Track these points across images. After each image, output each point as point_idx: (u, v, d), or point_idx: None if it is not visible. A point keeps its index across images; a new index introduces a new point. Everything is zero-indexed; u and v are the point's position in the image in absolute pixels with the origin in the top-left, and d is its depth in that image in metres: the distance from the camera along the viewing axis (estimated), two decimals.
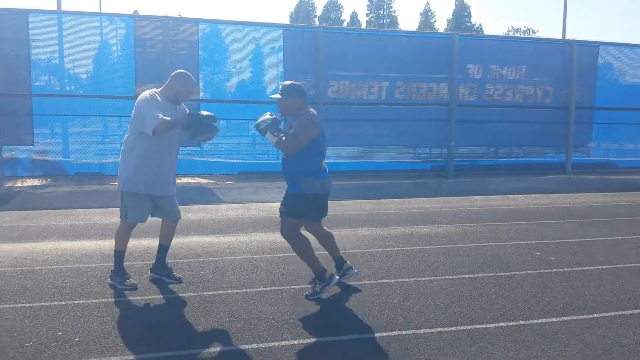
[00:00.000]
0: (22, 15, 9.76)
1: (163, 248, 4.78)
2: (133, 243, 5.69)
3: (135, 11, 57.38)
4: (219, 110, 11.10)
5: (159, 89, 4.50)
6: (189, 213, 7.53)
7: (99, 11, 23.36)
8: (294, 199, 4.42)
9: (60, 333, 3.60)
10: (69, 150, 10.77)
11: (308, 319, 3.92)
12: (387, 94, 11.50)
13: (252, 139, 12.52)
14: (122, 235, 4.59)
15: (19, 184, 10.12)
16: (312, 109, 4.44)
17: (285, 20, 74.41)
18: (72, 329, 3.67)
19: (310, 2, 77.46)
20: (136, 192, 4.44)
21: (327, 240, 4.73)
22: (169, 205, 4.66)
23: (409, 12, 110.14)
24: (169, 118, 4.23)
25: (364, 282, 4.75)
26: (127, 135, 4.48)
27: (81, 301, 4.18)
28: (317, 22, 71.44)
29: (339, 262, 4.71)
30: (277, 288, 4.56)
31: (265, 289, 4.54)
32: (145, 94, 4.40)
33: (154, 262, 4.79)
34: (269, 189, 9.81)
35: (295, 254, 4.55)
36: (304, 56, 11.03)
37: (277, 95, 4.36)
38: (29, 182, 10.24)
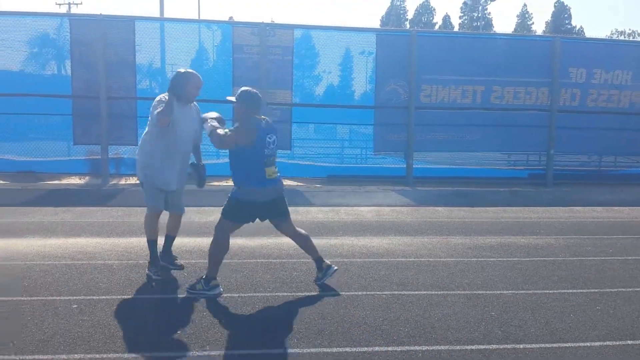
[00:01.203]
0: (129, 22, 10.36)
1: (169, 238, 5.06)
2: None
3: (231, 17, 59.48)
4: (309, 114, 11.31)
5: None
6: None
7: (197, 18, 24.39)
8: (229, 200, 4.50)
9: (158, 324, 3.77)
10: None
11: (401, 326, 3.85)
12: (483, 98, 11.16)
13: (340, 143, 12.59)
14: (150, 224, 4.82)
15: (122, 181, 10.74)
16: (262, 118, 4.46)
17: (376, 24, 74.29)
18: (170, 321, 3.84)
19: (402, 5, 76.90)
20: (153, 185, 4.73)
21: (303, 241, 4.76)
22: (176, 200, 4.94)
23: (505, 14, 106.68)
24: (160, 110, 4.45)
25: (457, 292, 4.62)
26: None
27: (183, 295, 4.36)
28: (408, 26, 70.78)
29: (318, 263, 4.72)
30: (369, 293, 4.53)
31: (357, 293, 4.53)
32: (158, 97, 4.70)
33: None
34: (357, 193, 9.81)
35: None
36: (396, 60, 10.94)
37: (232, 98, 4.54)
38: (131, 180, 10.82)
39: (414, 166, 11.07)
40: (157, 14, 26.29)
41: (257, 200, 4.43)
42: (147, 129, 4.78)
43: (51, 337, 3.53)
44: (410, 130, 10.92)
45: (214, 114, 4.66)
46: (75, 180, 10.53)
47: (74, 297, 4.27)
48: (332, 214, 7.85)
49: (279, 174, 4.58)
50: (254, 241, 6.12)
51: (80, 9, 47.76)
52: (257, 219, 4.62)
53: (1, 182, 10.08)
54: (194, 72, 4.79)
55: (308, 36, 11.40)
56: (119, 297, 4.31)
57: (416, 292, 4.58)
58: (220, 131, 4.40)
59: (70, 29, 10.15)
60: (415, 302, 4.34)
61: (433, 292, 4.59)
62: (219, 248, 4.46)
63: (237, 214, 4.48)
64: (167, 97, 4.54)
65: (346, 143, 12.87)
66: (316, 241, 6.12)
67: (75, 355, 3.31)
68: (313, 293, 4.50)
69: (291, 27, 10.69)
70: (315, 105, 11.30)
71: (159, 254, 4.90)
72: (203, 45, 11.56)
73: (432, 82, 11.03)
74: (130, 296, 4.33)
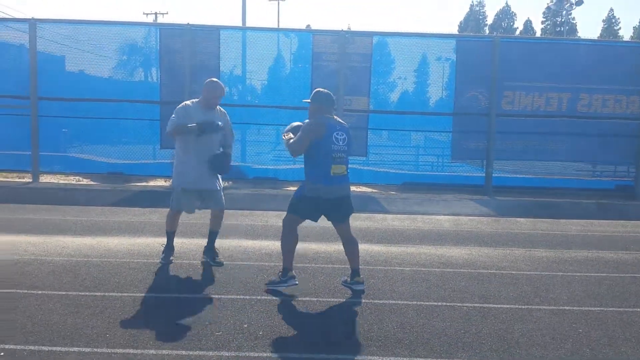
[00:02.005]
0: (215, 31, 10.74)
1: (212, 234, 5.43)
2: (304, 246, 5.98)
3: (308, 25, 60.33)
4: (384, 120, 11.26)
5: (197, 99, 5.25)
6: (356, 221, 7.67)
7: (277, 27, 24.90)
8: (295, 195, 4.72)
9: (245, 325, 3.88)
10: (247, 156, 11.61)
11: (483, 339, 3.77)
12: (568, 106, 10.71)
13: (415, 150, 12.45)
14: (170, 219, 5.38)
15: None
16: (333, 117, 4.62)
17: (454, 30, 73.04)
18: (256, 322, 3.94)
19: (481, 11, 75.14)
20: (181, 187, 5.18)
21: (351, 248, 4.79)
22: (214, 198, 5.32)
23: (590, 19, 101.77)
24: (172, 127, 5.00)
25: (542, 307, 4.46)
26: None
27: (263, 297, 4.46)
28: (487, 31, 69.09)
29: (354, 273, 4.73)
30: (448, 304, 4.46)
31: (436, 303, 4.47)
32: (182, 103, 5.16)
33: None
34: (434, 201, 9.67)
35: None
36: (476, 66, 10.71)
37: (307, 100, 4.71)
38: None
39: (493, 175, 10.79)
40: (238, 23, 27.12)
41: (321, 197, 4.53)
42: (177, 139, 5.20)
43: (139, 333, 3.71)
44: (491, 137, 10.64)
45: (290, 126, 4.77)
46: (160, 182, 11.00)
47: (157, 295, 4.47)
48: (408, 221, 7.78)
49: (346, 174, 4.66)
50: (331, 246, 6.17)
51: (166, 18, 49.99)
52: (323, 217, 4.77)
53: (93, 183, 10.70)
54: (216, 80, 5.24)
55: (384, 43, 11.36)
56: (201, 295, 4.47)
57: (498, 306, 4.46)
58: (291, 141, 4.56)
59: (160, 38, 10.65)
60: (497, 316, 4.22)
61: (516, 306, 4.45)
62: (286, 240, 4.67)
63: (300, 208, 4.64)
64: (191, 105, 5.11)
65: (421, 150, 12.70)
66: (392, 249, 6.14)
67: (163, 351, 3.46)
68: (391, 301, 4.47)
69: (370, 35, 10.71)
70: (393, 112, 11.24)
71: (204, 248, 5.40)
72: (282, 53, 11.79)
73: (515, 88, 10.70)
74: (217, 295, 4.48)
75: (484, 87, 10.72)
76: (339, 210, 4.70)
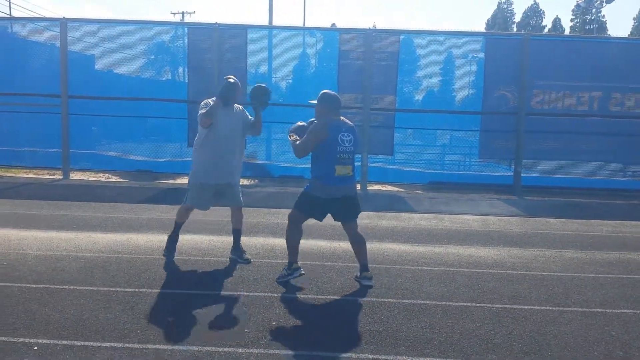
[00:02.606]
0: (242, 30, 10.80)
1: (236, 232, 5.49)
2: (332, 244, 5.97)
3: (333, 24, 60.29)
4: (410, 119, 11.18)
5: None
6: (382, 220, 7.66)
7: (303, 26, 24.90)
8: (302, 192, 4.83)
9: (274, 323, 3.89)
10: (274, 155, 11.66)
11: (514, 341, 3.71)
12: (600, 105, 10.51)
13: (441, 149, 12.34)
14: (182, 212, 5.48)
15: None
16: (339, 118, 4.65)
17: (481, 28, 72.21)
18: (285, 320, 3.95)
19: (509, 8, 74.10)
20: (197, 182, 5.23)
21: (356, 245, 4.86)
22: (232, 194, 5.35)
23: (619, 16, 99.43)
24: (204, 111, 5.00)
25: (574, 309, 4.38)
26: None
27: (291, 295, 4.47)
28: (515, 29, 68.14)
29: (364, 268, 4.80)
30: (478, 305, 4.41)
31: (465, 304, 4.42)
32: (204, 101, 5.17)
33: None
34: (461, 201, 9.57)
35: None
36: (506, 65, 10.59)
37: (314, 101, 4.74)
38: (241, 182, 11.27)
39: (522, 174, 10.64)
40: (264, 22, 27.17)
41: (324, 197, 4.63)
42: (198, 135, 5.27)
43: (170, 328, 3.75)
44: (520, 137, 10.51)
45: (296, 126, 4.86)
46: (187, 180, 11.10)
47: (190, 292, 4.52)
48: (435, 221, 7.72)
49: (352, 174, 4.69)
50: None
51: (193, 17, 50.58)
52: (329, 215, 4.87)
53: (122, 180, 10.86)
54: (237, 81, 5.24)
55: (411, 41, 11.28)
56: (231, 293, 4.49)
57: (529, 307, 4.39)
58: (297, 142, 4.67)
59: (188, 37, 10.76)
60: (528, 317, 4.16)
61: (547, 308, 4.38)
62: (290, 236, 4.83)
63: (305, 206, 4.77)
64: (210, 101, 5.07)
65: (448, 149, 12.58)
66: (420, 249, 6.10)
67: (192, 347, 3.49)
68: (420, 301, 4.44)
69: (397, 33, 10.66)
70: (419, 110, 11.16)
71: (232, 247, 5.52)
72: (308, 52, 11.81)
73: (545, 87, 10.55)
74: (245, 292, 4.50)
75: (513, 86, 10.59)
76: (344, 210, 4.77)
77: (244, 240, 6.12)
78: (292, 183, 10.91)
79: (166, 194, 9.61)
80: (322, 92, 4.76)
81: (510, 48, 10.71)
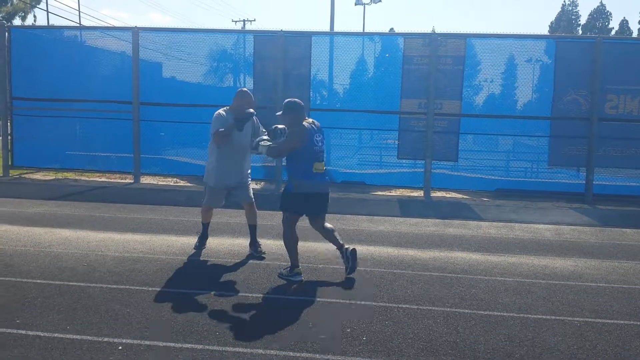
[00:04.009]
0: (307, 37, 10.88)
1: (252, 227, 5.90)
2: (401, 252, 5.90)
3: (392, 29, 59.95)
4: (476, 124, 10.92)
5: (229, 107, 5.64)
6: (449, 227, 7.52)
7: (363, 31, 24.85)
8: (284, 195, 5.11)
9: (348, 330, 3.88)
10: (335, 160, 11.66)
11: (599, 356, 3.55)
12: None
13: (509, 155, 12.00)
14: (204, 213, 5.93)
15: None
16: (308, 120, 4.99)
17: (544, 30, 70.12)
18: (359, 327, 3.93)
19: (574, 10, 71.60)
20: (213, 185, 5.69)
21: (328, 235, 5.22)
22: (242, 193, 5.81)
23: None
24: (222, 129, 5.39)
25: None
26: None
27: (363, 302, 4.44)
28: (580, 32, 65.77)
29: (340, 249, 5.16)
30: (558, 318, 4.25)
31: (544, 317, 4.27)
32: (216, 112, 5.56)
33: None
34: (530, 209, 9.28)
35: None
36: (577, 69, 10.20)
37: (279, 113, 5.07)
38: None
39: (594, 182, 10.23)
40: (325, 29, 27.27)
41: (307, 192, 4.96)
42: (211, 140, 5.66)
43: (247, 332, 3.80)
44: (592, 143, 10.10)
45: (265, 136, 5.28)
46: (252, 185, 11.26)
47: (262, 295, 4.56)
48: (505, 230, 7.51)
49: (324, 171, 5.08)
50: (426, 253, 6.07)
51: (254, 25, 51.52)
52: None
53: (189, 184, 11.13)
54: (248, 92, 5.68)
55: (477, 45, 11.02)
56: (303, 298, 4.51)
57: (612, 321, 4.20)
58: (272, 145, 4.99)
59: (254, 45, 10.93)
60: (612, 332, 3.98)
61: (632, 322, 4.18)
62: (287, 240, 5.07)
63: (292, 205, 5.04)
64: (223, 113, 5.52)
65: (515, 155, 12.22)
66: (492, 258, 5.94)
67: (271, 351, 3.52)
68: (495, 313, 4.32)
69: (463, 37, 10.47)
70: (487, 115, 10.85)
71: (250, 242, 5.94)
72: (371, 57, 11.75)
73: (620, 92, 10.10)
74: (318, 298, 4.51)
75: (584, 90, 10.20)
76: (319, 205, 5.12)
77: (316, 246, 6.18)
78: (353, 189, 10.88)
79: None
80: (287, 101, 5.09)
81: (582, 51, 10.31)
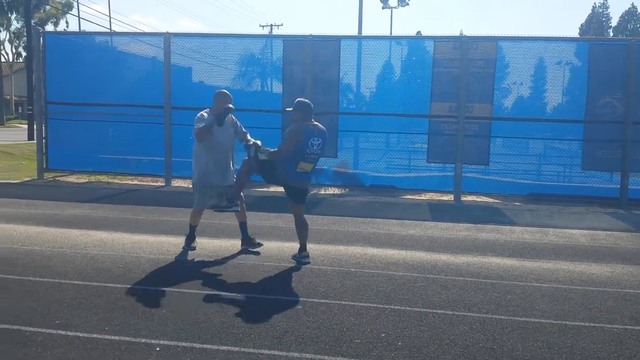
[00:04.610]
0: (335, 41, 10.91)
1: (242, 224, 6.13)
2: (433, 257, 5.86)
3: (419, 32, 59.67)
4: (507, 128, 10.76)
5: (210, 109, 5.81)
6: (482, 232, 7.44)
7: (391, 34, 24.81)
8: (284, 188, 5.67)
9: (383, 335, 3.85)
10: (364, 164, 11.63)
11: None
12: None
13: (542, 159, 11.82)
14: (195, 215, 6.05)
15: (322, 191, 11.30)
16: (312, 123, 5.36)
17: (574, 33, 68.97)
18: (394, 332, 3.90)
19: (604, 12, 70.25)
20: (202, 186, 5.87)
21: (301, 226, 5.69)
22: (230, 192, 5.88)
23: None
24: (201, 125, 5.59)
25: None
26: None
27: (397, 307, 4.42)
28: (611, 34, 64.53)
29: (301, 248, 5.66)
30: (596, 325, 4.16)
31: (583, 323, 4.18)
32: (199, 113, 5.78)
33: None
34: (564, 214, 9.12)
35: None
36: (611, 71, 10.02)
37: (289, 108, 5.52)
38: (330, 191, 11.36)
39: (629, 187, 10.01)
40: (352, 32, 27.30)
41: (287, 184, 5.53)
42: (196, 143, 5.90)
43: (283, 335, 3.81)
44: (627, 147, 9.89)
45: (258, 144, 5.68)
46: (280, 189, 11.29)
47: (298, 298, 4.57)
48: (539, 235, 7.39)
49: (310, 172, 5.54)
50: (459, 258, 6.01)
51: (282, 30, 51.81)
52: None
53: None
54: (227, 92, 5.90)
55: (508, 48, 10.87)
56: (337, 302, 4.50)
57: None
58: (272, 150, 5.45)
59: (283, 49, 10.99)
60: None
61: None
62: (299, 227, 5.67)
63: (289, 195, 5.65)
64: (205, 114, 5.70)
65: (548, 159, 12.02)
66: (527, 264, 5.86)
67: (306, 354, 3.52)
68: (533, 319, 4.25)
69: (494, 40, 10.36)
70: (519, 119, 10.67)
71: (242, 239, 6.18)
72: (401, 61, 11.68)
73: None
74: (348, 302, 4.50)
75: (619, 93, 10.00)
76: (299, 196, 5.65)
77: (341, 249, 6.21)
78: (383, 192, 10.85)
79: (262, 201, 9.83)
80: (298, 100, 5.47)
81: (615, 54, 10.14)
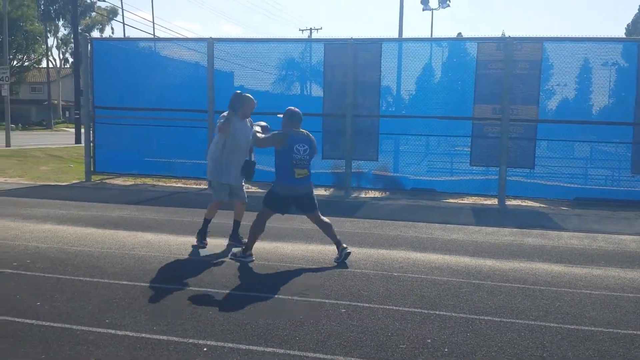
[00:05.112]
0: (377, 44, 10.88)
1: (236, 222, 6.49)
2: (478, 262, 5.76)
3: (459, 34, 58.92)
4: (549, 130, 10.48)
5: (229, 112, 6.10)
6: (528, 237, 7.28)
7: (431, 36, 24.60)
8: (268, 192, 5.84)
9: (429, 340, 3.81)
10: (404, 167, 11.54)
11: None
12: None
13: (584, 162, 11.49)
14: (212, 208, 6.49)
15: (362, 194, 11.27)
16: (299, 130, 5.67)
17: (620, 33, 66.88)
18: (440, 338, 3.85)
19: None
20: (220, 182, 6.26)
21: (326, 229, 5.86)
22: (237, 192, 6.35)
23: None
24: (222, 120, 6.01)
25: None
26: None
27: (442, 312, 4.36)
28: None
29: (338, 245, 5.78)
30: None
31: (635, 332, 4.05)
32: (222, 114, 6.15)
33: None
34: (614, 219, 8.85)
35: None
36: None
37: (280, 115, 5.76)
38: (371, 194, 11.32)
39: None
40: (393, 35, 27.17)
41: (288, 195, 5.65)
42: (215, 138, 6.34)
43: (327, 338, 3.81)
44: None
45: (261, 123, 5.95)
46: (321, 192, 11.36)
47: (341, 302, 4.56)
48: (588, 240, 7.18)
49: (308, 176, 5.69)
50: (505, 264, 5.89)
51: (321, 33, 52.02)
52: (287, 212, 6.02)
53: (260, 190, 11.32)
54: (250, 96, 6.25)
55: (554, 49, 10.60)
56: (380, 306, 4.48)
57: None
58: (260, 135, 5.73)
59: (325, 53, 11.02)
60: None
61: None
62: (255, 229, 5.76)
63: (272, 203, 5.75)
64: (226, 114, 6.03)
65: (593, 162, 11.68)
66: (575, 270, 5.70)
67: (351, 358, 3.51)
68: (583, 327, 4.13)
69: (540, 41, 10.14)
70: (566, 121, 10.33)
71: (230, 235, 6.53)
72: (440, 63, 11.55)
73: None
74: (392, 307, 4.47)
75: None
76: (305, 204, 5.78)
77: (383, 253, 6.20)
78: (424, 196, 10.74)
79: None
80: (287, 108, 5.74)
81: None
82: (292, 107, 5.78)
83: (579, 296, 4.86)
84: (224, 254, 6.06)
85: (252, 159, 6.37)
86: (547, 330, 4.05)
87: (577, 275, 5.51)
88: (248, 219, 6.30)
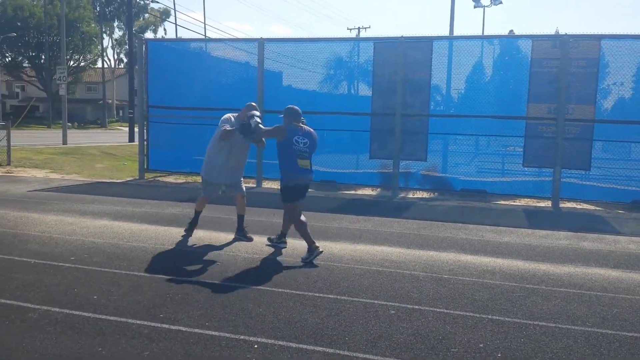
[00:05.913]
0: (427, 42, 10.75)
1: (240, 217, 6.75)
2: (531, 266, 5.61)
3: (511, 31, 57.49)
4: (606, 130, 10.06)
5: (237, 114, 6.47)
6: (584, 241, 7.05)
7: (483, 34, 24.09)
8: (281, 190, 6.01)
9: (481, 345, 3.74)
10: (453, 167, 11.36)
11: None
12: None
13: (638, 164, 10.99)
14: (201, 202, 6.84)
15: (410, 195, 11.17)
16: (299, 125, 5.89)
17: None
18: (492, 343, 3.78)
19: None
20: (211, 180, 6.65)
21: (290, 223, 6.16)
22: (235, 186, 6.74)
23: None
24: (229, 128, 6.27)
25: None
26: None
27: (495, 317, 4.28)
28: None
29: (280, 235, 6.41)
30: None
31: None
32: (226, 115, 6.47)
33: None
34: None
35: None
36: None
37: (282, 114, 6.02)
38: (418, 194, 11.21)
39: None
40: (443, 33, 26.79)
41: (297, 183, 5.89)
42: (213, 137, 6.55)
43: (377, 339, 3.79)
44: None
45: (256, 113, 6.22)
46: (368, 192, 11.33)
47: (390, 303, 4.54)
48: None
49: (310, 168, 5.93)
50: (560, 268, 5.74)
51: (369, 32, 51.87)
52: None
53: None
54: (254, 104, 6.42)
55: (613, 46, 10.19)
56: (431, 308, 4.43)
57: None
58: (261, 126, 6.09)
59: (374, 51, 10.98)
60: None
61: None
62: (299, 225, 5.92)
63: (289, 196, 5.94)
64: (232, 117, 6.38)
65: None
66: (634, 276, 5.50)
67: None
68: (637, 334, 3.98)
69: (597, 38, 9.79)
70: (627, 122, 9.97)
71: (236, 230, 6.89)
72: (491, 61, 11.29)
73: None
74: (442, 309, 4.42)
75: None
76: (302, 195, 6.03)
77: (433, 255, 6.12)
78: (473, 197, 10.56)
79: (350, 204, 9.88)
80: (287, 106, 6.02)
81: None
82: (291, 105, 6.06)
83: (637, 303, 4.68)
84: (277, 253, 6.12)
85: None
86: (604, 338, 3.92)
87: (635, 282, 5.31)
88: (249, 215, 6.50)
